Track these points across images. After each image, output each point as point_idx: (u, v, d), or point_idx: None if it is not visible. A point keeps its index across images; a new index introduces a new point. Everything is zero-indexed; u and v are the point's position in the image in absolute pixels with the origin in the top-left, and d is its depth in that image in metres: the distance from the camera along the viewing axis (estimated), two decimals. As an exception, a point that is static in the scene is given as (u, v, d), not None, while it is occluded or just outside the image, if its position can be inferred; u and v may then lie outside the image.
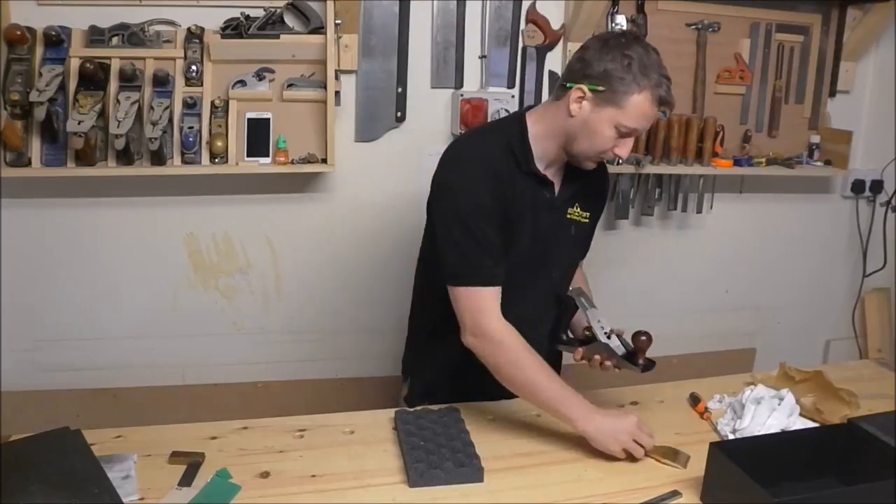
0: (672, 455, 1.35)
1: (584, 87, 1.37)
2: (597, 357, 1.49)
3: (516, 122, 1.48)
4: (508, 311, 1.44)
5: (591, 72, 1.36)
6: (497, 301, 1.39)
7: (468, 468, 1.28)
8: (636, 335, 1.47)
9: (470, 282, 1.38)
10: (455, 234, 1.39)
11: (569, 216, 1.55)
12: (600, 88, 1.35)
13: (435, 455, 1.30)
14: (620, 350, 1.48)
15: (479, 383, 1.54)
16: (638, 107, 1.35)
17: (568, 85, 1.39)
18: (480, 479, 1.28)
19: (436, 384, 1.63)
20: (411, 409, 1.49)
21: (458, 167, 1.43)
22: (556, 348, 1.56)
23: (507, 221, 1.44)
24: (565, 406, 1.37)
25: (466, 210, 1.38)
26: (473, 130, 1.62)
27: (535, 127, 1.46)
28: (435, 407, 1.50)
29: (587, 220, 1.58)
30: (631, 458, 1.35)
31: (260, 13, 2.00)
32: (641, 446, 1.35)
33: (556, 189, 1.51)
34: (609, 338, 1.48)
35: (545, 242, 1.52)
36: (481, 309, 1.38)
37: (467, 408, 1.51)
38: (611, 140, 1.40)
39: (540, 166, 1.47)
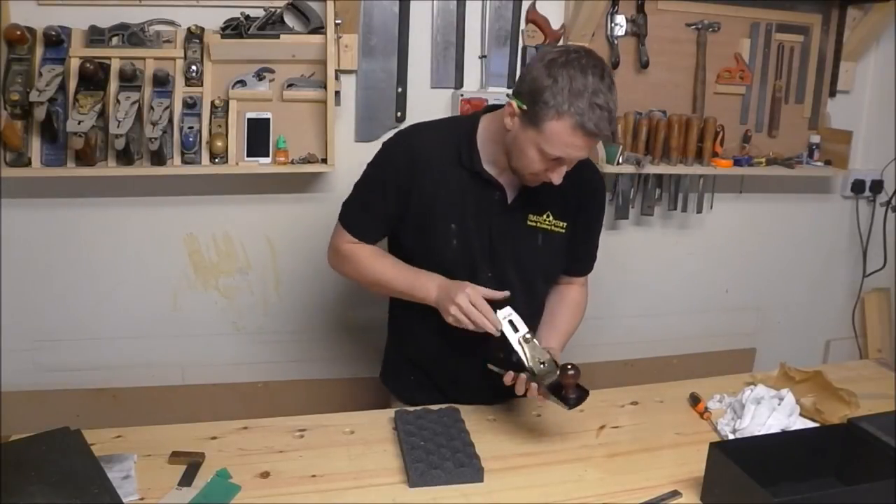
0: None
1: (514, 103, 1.33)
2: (529, 385, 1.36)
3: (470, 120, 1.50)
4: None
5: (523, 87, 1.32)
6: (352, 237, 1.53)
7: (468, 468, 1.28)
8: (563, 370, 1.32)
9: (341, 219, 1.55)
10: (355, 186, 1.55)
11: (532, 224, 1.49)
12: (524, 107, 1.30)
13: (435, 455, 1.31)
14: (551, 377, 1.35)
15: (450, 384, 1.56)
16: (557, 134, 1.27)
17: (508, 95, 1.37)
18: (480, 479, 1.28)
19: (415, 384, 1.64)
20: (411, 409, 1.49)
21: (390, 140, 1.52)
22: (488, 367, 1.43)
23: (426, 212, 1.46)
24: (417, 290, 1.45)
25: (368, 173, 1.52)
26: (435, 120, 1.58)
27: (488, 129, 1.45)
28: (435, 407, 1.50)
29: (563, 230, 1.51)
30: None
31: (260, 13, 2.00)
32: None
33: (510, 193, 1.46)
34: (541, 365, 1.36)
35: (496, 246, 1.48)
36: (337, 233, 1.56)
37: (467, 408, 1.52)
38: (538, 163, 1.33)
39: (490, 168, 1.45)
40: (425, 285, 1.44)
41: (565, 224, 1.51)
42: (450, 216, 1.46)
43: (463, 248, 1.47)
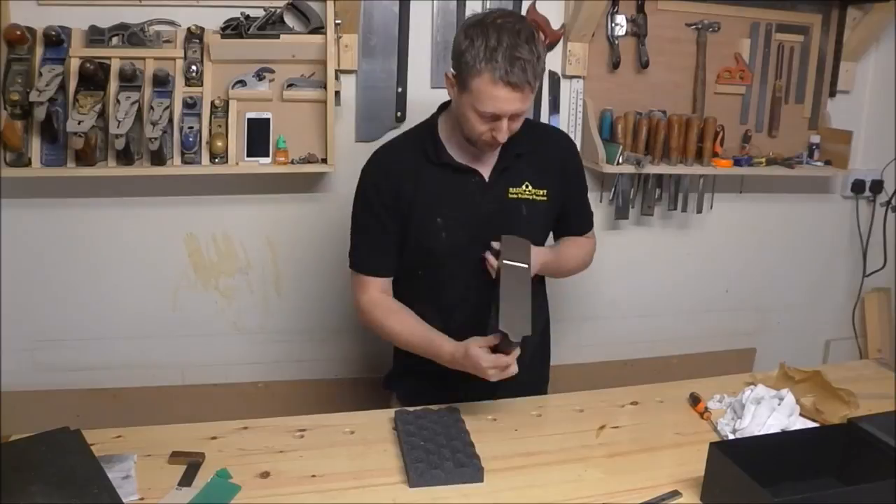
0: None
1: (449, 73, 1.40)
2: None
3: (429, 122, 1.57)
4: (459, 298, 1.55)
5: (452, 55, 1.39)
6: (374, 284, 1.57)
7: (468, 468, 1.28)
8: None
9: (352, 265, 1.59)
10: (352, 227, 1.59)
11: (513, 196, 1.53)
12: (454, 72, 1.38)
13: (435, 455, 1.31)
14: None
15: (460, 387, 1.54)
16: (481, 90, 1.34)
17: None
18: (481, 479, 1.28)
19: (419, 392, 1.63)
20: (411, 409, 1.49)
21: (364, 169, 1.56)
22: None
23: (413, 217, 1.51)
24: (436, 356, 1.49)
25: (359, 209, 1.57)
26: (394, 137, 1.66)
27: (447, 120, 1.52)
28: (435, 407, 1.50)
29: (545, 199, 1.56)
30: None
31: (260, 13, 2.00)
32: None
33: (486, 173, 1.52)
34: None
35: (483, 227, 1.51)
36: (356, 288, 1.59)
37: (467, 408, 1.52)
38: (479, 124, 1.40)
39: (459, 155, 1.51)
40: (438, 354, 1.49)
41: (545, 191, 1.56)
42: (433, 212, 1.51)
43: (451, 238, 1.52)
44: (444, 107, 1.58)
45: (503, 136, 1.41)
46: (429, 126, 1.56)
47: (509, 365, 1.38)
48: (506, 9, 1.41)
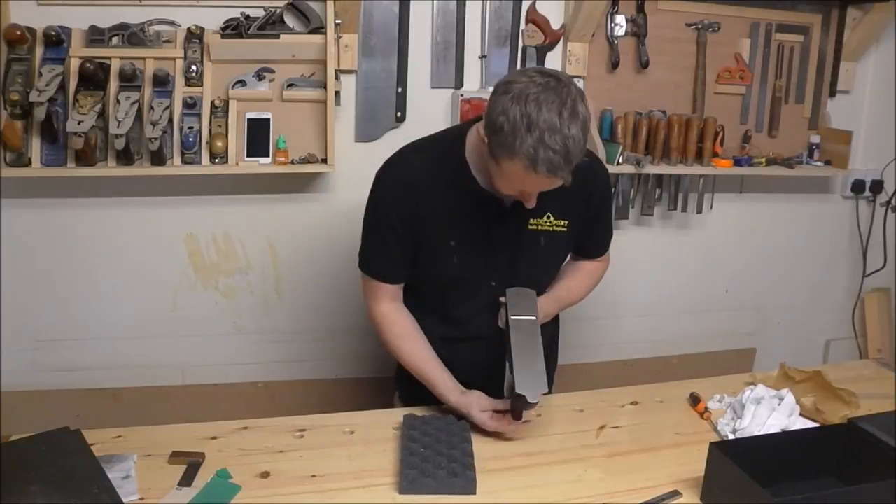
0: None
1: (481, 132, 1.31)
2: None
3: (457, 136, 1.46)
4: (467, 313, 1.52)
5: (486, 116, 1.28)
6: (385, 291, 1.53)
7: (461, 479, 1.25)
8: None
9: (364, 270, 1.53)
10: (365, 230, 1.53)
11: (533, 227, 1.48)
12: (485, 138, 1.28)
13: (430, 463, 1.29)
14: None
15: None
16: (512, 173, 1.26)
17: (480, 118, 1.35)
18: (473, 492, 1.25)
19: (420, 392, 1.61)
20: (420, 414, 1.47)
21: (383, 175, 1.49)
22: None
23: (426, 235, 1.46)
24: (436, 387, 1.50)
25: (373, 216, 1.50)
26: (417, 142, 1.52)
27: (475, 144, 1.41)
28: (444, 413, 1.49)
29: (564, 229, 1.50)
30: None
31: (260, 13, 2.00)
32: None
33: (507, 201, 1.43)
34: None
35: (498, 256, 1.49)
36: (368, 294, 1.55)
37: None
38: (507, 189, 1.34)
39: (483, 178, 1.42)
40: (440, 397, 1.50)
41: (566, 222, 1.50)
42: (448, 234, 1.46)
43: (464, 263, 1.47)
44: (475, 119, 1.47)
45: (532, 205, 1.36)
46: (455, 142, 1.44)
47: (512, 430, 1.43)
48: (546, 69, 1.24)
